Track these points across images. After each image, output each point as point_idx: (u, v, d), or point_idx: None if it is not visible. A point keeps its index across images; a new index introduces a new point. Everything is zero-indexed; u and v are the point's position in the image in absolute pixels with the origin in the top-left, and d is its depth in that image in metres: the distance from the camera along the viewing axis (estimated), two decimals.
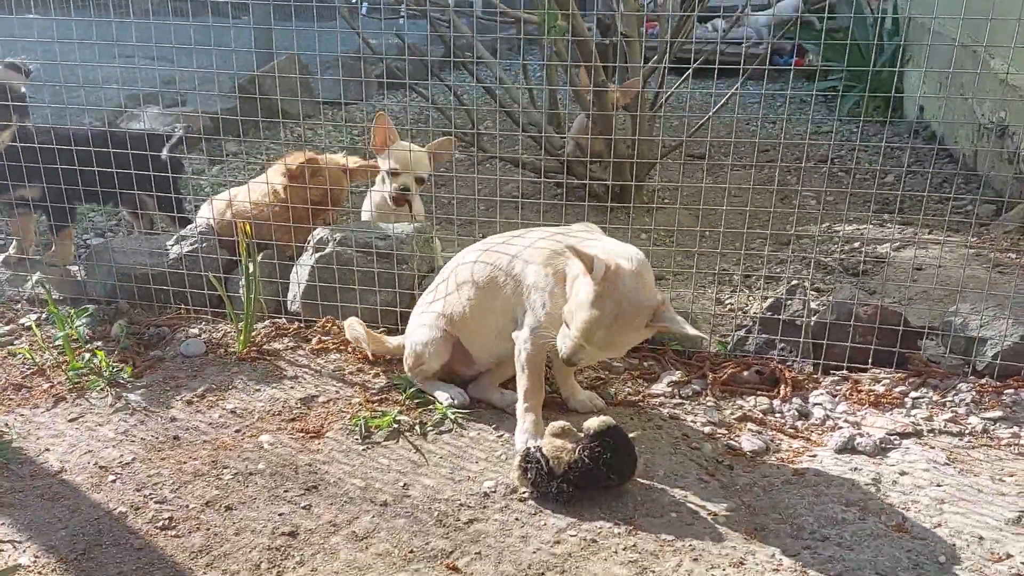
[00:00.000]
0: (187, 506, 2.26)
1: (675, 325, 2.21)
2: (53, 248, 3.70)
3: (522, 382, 2.47)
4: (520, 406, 2.48)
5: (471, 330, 2.64)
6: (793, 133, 6.39)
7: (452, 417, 2.61)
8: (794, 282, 3.01)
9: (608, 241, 2.40)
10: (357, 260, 3.07)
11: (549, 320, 2.37)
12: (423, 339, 2.67)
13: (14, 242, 3.75)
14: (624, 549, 2.09)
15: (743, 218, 3.96)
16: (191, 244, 3.32)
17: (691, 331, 2.22)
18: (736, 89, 4.24)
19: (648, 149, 4.64)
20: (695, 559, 2.06)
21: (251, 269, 2.95)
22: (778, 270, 3.89)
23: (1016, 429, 2.56)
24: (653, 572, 2.02)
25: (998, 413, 2.62)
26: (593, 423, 2.26)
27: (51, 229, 3.64)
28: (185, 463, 2.43)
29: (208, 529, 2.18)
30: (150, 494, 2.31)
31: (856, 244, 4.19)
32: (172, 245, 3.34)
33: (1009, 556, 2.08)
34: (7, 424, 2.63)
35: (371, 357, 2.90)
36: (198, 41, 3.11)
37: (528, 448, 2.29)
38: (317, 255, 3.11)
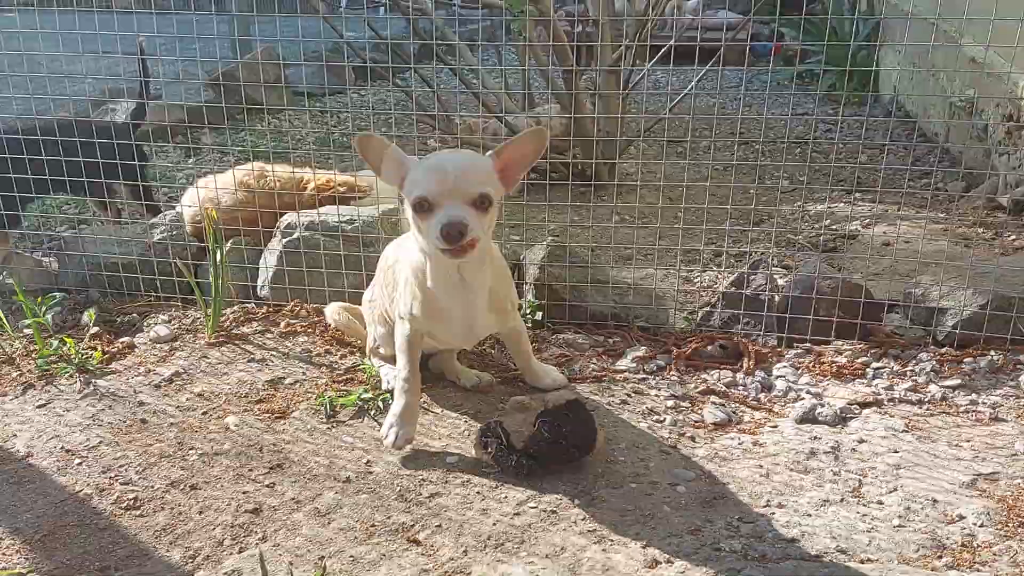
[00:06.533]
0: (152, 487, 2.28)
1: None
2: None
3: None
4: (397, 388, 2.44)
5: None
6: (769, 117, 6.41)
7: None
8: (758, 257, 3.03)
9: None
10: (324, 244, 3.09)
11: (419, 310, 2.37)
12: (374, 335, 2.72)
13: None
14: (583, 519, 2.12)
15: (713, 199, 3.99)
16: (161, 232, 3.33)
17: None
18: (695, 81, 4.28)
19: (616, 133, 4.66)
20: (653, 527, 2.08)
21: (218, 255, 2.96)
22: (748, 249, 3.92)
23: (974, 396, 2.60)
24: (611, 540, 2.05)
25: (957, 381, 2.65)
26: (553, 397, 2.29)
27: None
28: (151, 445, 2.45)
29: (172, 508, 2.20)
30: (116, 476, 2.32)
31: (827, 222, 4.22)
32: (142, 234, 3.34)
33: (962, 518, 2.11)
34: None
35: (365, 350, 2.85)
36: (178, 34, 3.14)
37: (488, 422, 2.32)
38: (285, 240, 3.13)
